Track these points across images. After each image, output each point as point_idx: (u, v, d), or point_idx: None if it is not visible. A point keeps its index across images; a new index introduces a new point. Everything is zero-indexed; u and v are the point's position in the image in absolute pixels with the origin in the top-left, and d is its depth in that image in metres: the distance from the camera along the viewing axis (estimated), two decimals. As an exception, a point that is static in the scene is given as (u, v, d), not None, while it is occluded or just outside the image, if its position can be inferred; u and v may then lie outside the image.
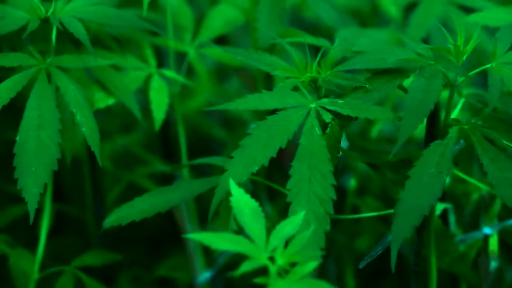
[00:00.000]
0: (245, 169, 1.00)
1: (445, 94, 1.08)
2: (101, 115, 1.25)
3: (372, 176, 1.37)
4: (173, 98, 1.30)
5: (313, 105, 1.04)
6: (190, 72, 1.36)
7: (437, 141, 1.02)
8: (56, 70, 1.09)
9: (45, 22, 1.11)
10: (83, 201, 1.43)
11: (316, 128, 1.02)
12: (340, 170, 1.39)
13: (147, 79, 1.26)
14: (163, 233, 1.55)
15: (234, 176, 1.00)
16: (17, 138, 1.05)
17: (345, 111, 1.03)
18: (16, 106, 1.12)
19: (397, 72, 1.06)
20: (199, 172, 1.52)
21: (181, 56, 1.35)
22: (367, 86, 1.05)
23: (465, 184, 1.26)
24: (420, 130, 1.06)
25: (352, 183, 1.39)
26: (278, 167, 1.37)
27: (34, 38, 1.19)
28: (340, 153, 1.06)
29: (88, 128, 1.07)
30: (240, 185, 0.99)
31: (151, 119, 1.25)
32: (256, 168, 1.00)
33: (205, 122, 1.62)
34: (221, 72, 1.71)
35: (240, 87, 1.73)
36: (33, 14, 1.11)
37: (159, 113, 1.23)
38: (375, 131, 1.38)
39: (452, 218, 1.27)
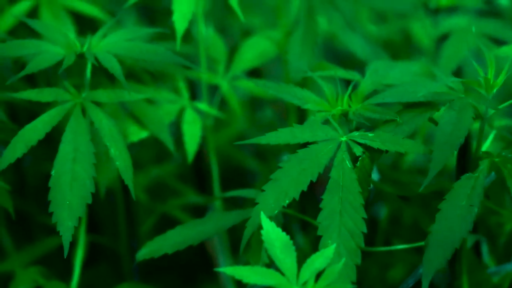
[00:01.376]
0: (276, 203, 1.01)
1: (476, 125, 1.08)
2: (134, 145, 1.27)
3: (403, 207, 1.37)
4: (205, 130, 1.31)
5: (343, 139, 1.04)
6: (222, 103, 1.37)
7: (468, 174, 1.02)
8: (90, 105, 1.11)
9: (81, 58, 1.13)
10: (117, 232, 1.44)
11: (347, 161, 1.03)
12: (371, 201, 1.39)
13: (180, 112, 1.27)
14: (196, 263, 1.56)
15: (265, 209, 1.01)
16: (53, 172, 1.06)
17: (375, 145, 1.04)
18: (52, 140, 1.14)
19: (427, 105, 1.07)
20: (232, 202, 1.53)
21: (214, 88, 1.36)
22: (398, 119, 1.05)
23: (498, 215, 1.26)
24: (452, 160, 1.06)
25: (383, 214, 1.39)
26: (310, 198, 1.37)
27: (69, 72, 1.21)
28: (371, 185, 1.06)
29: (122, 162, 1.08)
30: (271, 218, 0.99)
31: (184, 149, 1.26)
32: (287, 201, 1.01)
33: (237, 153, 1.63)
34: (254, 102, 1.73)
35: (273, 117, 1.75)
36: (68, 49, 1.13)
37: (192, 146, 1.24)
38: (406, 163, 1.38)
39: (484, 249, 1.27)
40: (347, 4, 1.35)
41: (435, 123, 1.06)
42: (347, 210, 1.01)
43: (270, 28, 1.46)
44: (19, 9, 1.34)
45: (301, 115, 1.47)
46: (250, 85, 1.34)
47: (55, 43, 1.14)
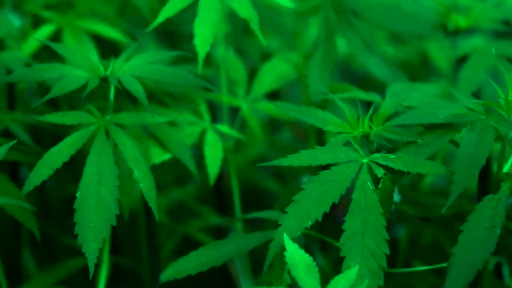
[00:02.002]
0: (298, 224, 1.02)
1: (497, 147, 1.08)
2: (156, 166, 1.28)
3: (424, 229, 1.37)
4: (226, 152, 1.32)
5: (365, 160, 1.05)
6: (242, 124, 1.38)
7: (489, 196, 1.02)
8: (114, 128, 1.12)
9: (104, 81, 1.15)
10: (139, 253, 1.45)
11: (369, 183, 1.04)
12: (392, 222, 1.39)
13: (202, 134, 1.28)
14: (218, 284, 1.57)
15: (288, 231, 1.02)
16: (78, 194, 1.07)
17: (397, 166, 1.04)
18: (75, 162, 1.15)
19: (448, 126, 1.07)
20: (252, 223, 1.53)
21: (234, 110, 1.38)
22: (419, 141, 1.06)
23: (519, 236, 1.26)
24: (473, 182, 1.07)
25: (404, 235, 1.39)
26: (331, 219, 1.38)
27: (93, 95, 1.22)
28: (393, 207, 1.07)
29: (145, 185, 1.10)
30: (294, 239, 1.00)
31: (205, 171, 1.27)
32: (310, 223, 1.02)
33: (257, 174, 1.64)
34: (273, 124, 1.74)
35: (292, 139, 1.76)
36: (92, 73, 1.14)
37: (213, 168, 1.25)
38: (427, 184, 1.39)
39: (506, 271, 1.27)
40: (365, 26, 1.36)
41: (456, 144, 1.06)
42: (369, 232, 1.01)
43: (289, 50, 1.47)
44: (42, 33, 1.35)
45: (320, 137, 1.48)
46: (270, 107, 1.35)
47: (79, 67, 1.15)
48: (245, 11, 1.19)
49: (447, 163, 1.42)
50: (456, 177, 1.01)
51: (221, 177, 1.48)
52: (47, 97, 1.10)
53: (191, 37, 1.19)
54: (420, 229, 1.38)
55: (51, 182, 1.54)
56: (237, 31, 1.57)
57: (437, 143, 1.07)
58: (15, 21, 1.43)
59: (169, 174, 1.61)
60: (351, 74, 1.69)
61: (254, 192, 1.67)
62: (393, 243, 1.35)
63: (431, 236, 1.38)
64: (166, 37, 1.70)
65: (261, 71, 1.40)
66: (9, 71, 1.21)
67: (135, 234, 1.47)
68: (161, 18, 1.20)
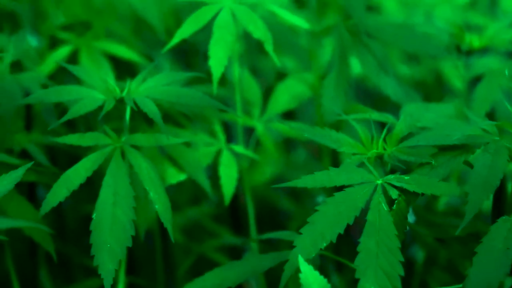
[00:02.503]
0: (313, 246, 1.02)
1: (511, 167, 1.08)
2: (172, 186, 1.28)
3: (439, 249, 1.37)
4: (241, 172, 1.33)
5: (379, 182, 1.06)
6: (257, 144, 1.39)
7: (504, 217, 1.02)
8: (130, 149, 1.13)
9: (120, 102, 1.15)
10: (154, 273, 1.46)
11: (383, 204, 1.04)
12: (407, 243, 1.39)
13: (217, 154, 1.29)
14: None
15: (303, 252, 1.02)
16: (94, 215, 1.08)
17: (411, 187, 1.05)
18: (91, 182, 1.16)
19: (462, 147, 1.08)
20: (267, 242, 1.54)
21: (249, 130, 1.38)
22: (433, 162, 1.06)
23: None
24: (487, 202, 1.07)
25: (419, 256, 1.39)
26: (346, 240, 1.38)
27: (109, 116, 1.23)
28: (407, 227, 1.07)
29: (161, 205, 1.10)
30: (308, 260, 1.01)
31: (220, 191, 1.27)
32: (325, 244, 1.02)
33: (272, 194, 1.64)
34: (288, 143, 1.74)
35: (308, 157, 1.76)
36: (108, 95, 1.15)
37: (228, 188, 1.26)
38: (441, 204, 1.39)
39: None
40: (379, 47, 1.37)
41: (470, 165, 1.07)
42: (384, 253, 1.01)
43: (303, 70, 1.48)
44: (60, 54, 1.37)
45: (335, 156, 1.48)
46: (285, 128, 1.35)
47: (95, 88, 1.16)
48: (260, 32, 1.20)
49: (462, 182, 1.42)
50: (470, 199, 1.01)
51: (236, 196, 1.49)
52: (64, 118, 1.11)
53: (206, 56, 1.20)
54: (436, 249, 1.38)
55: (68, 201, 1.55)
56: (252, 50, 1.58)
57: (451, 165, 1.07)
58: (33, 42, 1.45)
59: (185, 193, 1.62)
60: (366, 94, 1.70)
61: (269, 212, 1.67)
62: (408, 264, 1.36)
63: (446, 256, 1.38)
64: (182, 56, 1.71)
65: (276, 91, 1.41)
66: (26, 92, 1.22)
67: (151, 254, 1.48)
68: (176, 39, 1.21)
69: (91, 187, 1.19)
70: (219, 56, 1.20)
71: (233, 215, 1.55)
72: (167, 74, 1.22)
